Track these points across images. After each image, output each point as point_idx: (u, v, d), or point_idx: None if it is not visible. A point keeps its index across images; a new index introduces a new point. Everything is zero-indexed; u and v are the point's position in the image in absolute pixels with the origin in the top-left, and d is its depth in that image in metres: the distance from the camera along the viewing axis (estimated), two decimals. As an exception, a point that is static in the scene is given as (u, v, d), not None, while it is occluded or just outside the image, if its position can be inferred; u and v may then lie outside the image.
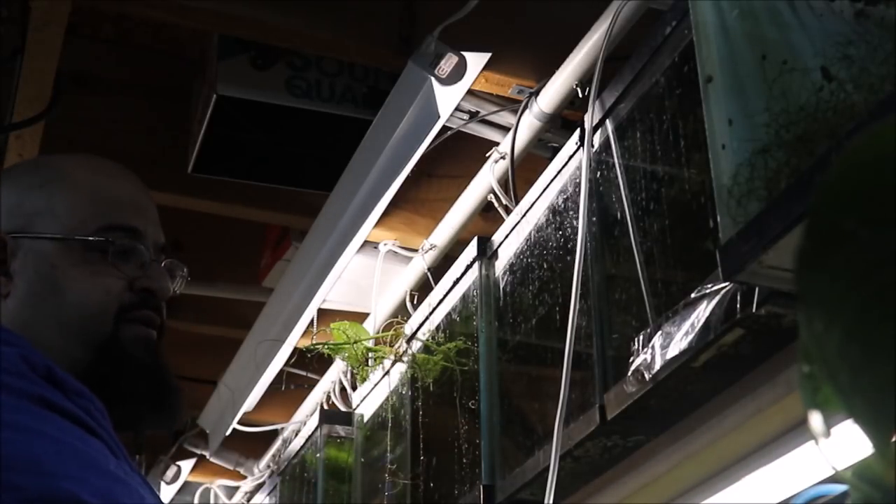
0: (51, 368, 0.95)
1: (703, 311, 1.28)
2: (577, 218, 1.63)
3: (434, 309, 2.22)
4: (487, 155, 2.13)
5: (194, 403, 3.26)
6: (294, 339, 2.61)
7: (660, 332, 1.36)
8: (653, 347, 1.37)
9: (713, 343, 1.27)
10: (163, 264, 1.18)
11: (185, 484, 3.70)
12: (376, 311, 2.61)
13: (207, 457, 3.51)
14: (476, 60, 1.91)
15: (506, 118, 2.13)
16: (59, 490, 0.83)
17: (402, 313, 2.47)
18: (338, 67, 2.36)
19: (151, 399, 1.12)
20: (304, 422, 2.92)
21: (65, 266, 1.12)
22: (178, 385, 1.16)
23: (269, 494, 3.19)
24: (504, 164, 2.09)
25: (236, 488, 3.62)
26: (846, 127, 1.01)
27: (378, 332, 2.44)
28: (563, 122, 2.05)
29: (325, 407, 2.84)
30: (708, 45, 1.22)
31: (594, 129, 1.65)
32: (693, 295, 1.31)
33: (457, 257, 2.14)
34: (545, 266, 1.81)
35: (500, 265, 2.00)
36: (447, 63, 1.90)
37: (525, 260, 1.90)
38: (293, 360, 2.68)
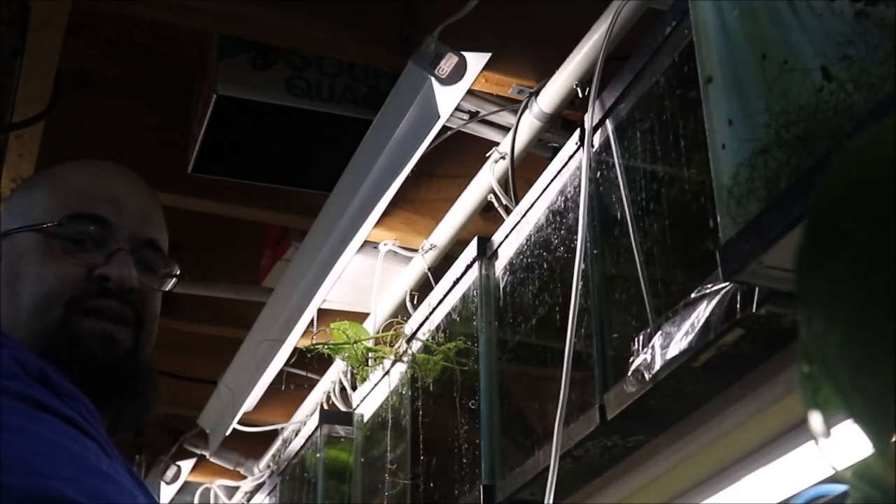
0: (43, 370, 0.95)
1: (703, 311, 1.28)
2: (577, 218, 1.63)
3: (434, 309, 2.22)
4: (487, 155, 2.13)
5: (194, 403, 3.26)
6: (294, 339, 2.61)
7: (660, 332, 1.36)
8: (653, 347, 1.37)
9: (713, 343, 1.27)
10: (142, 259, 1.16)
11: (185, 484, 3.70)
12: (376, 311, 2.61)
13: (207, 457, 3.51)
14: (476, 60, 1.91)
15: (506, 118, 2.13)
16: (50, 490, 0.83)
17: (402, 313, 2.47)
18: (338, 67, 2.35)
19: (112, 393, 1.09)
20: (304, 422, 2.92)
21: (29, 255, 1.12)
22: (152, 379, 1.14)
23: (269, 494, 3.19)
24: (504, 164, 2.09)
25: (236, 488, 3.62)
26: (846, 127, 1.01)
27: (378, 332, 2.44)
28: (563, 122, 2.05)
29: (325, 407, 2.84)
30: (708, 45, 1.22)
31: (594, 129, 1.65)
32: (693, 295, 1.31)
33: (457, 257, 2.14)
34: (545, 266, 1.81)
35: (500, 265, 2.00)
36: (447, 63, 1.90)
37: (525, 260, 1.90)
38: (293, 360, 2.68)
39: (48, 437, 0.88)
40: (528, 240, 1.89)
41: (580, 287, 1.56)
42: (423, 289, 2.42)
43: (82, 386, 1.01)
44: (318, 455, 2.68)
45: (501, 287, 1.99)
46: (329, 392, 2.85)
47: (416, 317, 2.31)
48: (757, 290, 1.18)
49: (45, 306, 1.10)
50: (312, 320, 2.59)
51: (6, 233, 1.15)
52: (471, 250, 2.06)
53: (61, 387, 0.95)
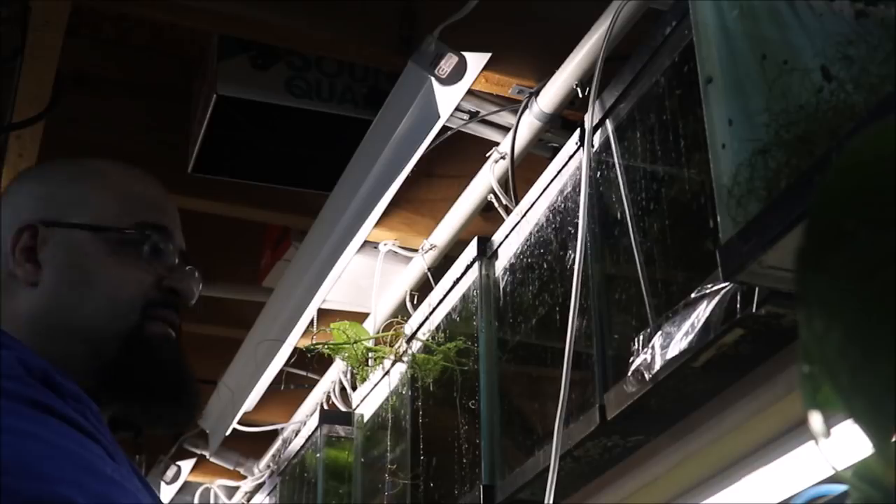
0: (47, 371, 0.95)
1: (703, 311, 1.28)
2: (577, 218, 1.63)
3: (434, 309, 2.22)
4: (487, 155, 2.13)
5: (194, 403, 3.26)
6: (294, 339, 2.61)
7: (660, 332, 1.36)
8: (653, 347, 1.37)
9: (713, 343, 1.27)
10: (186, 269, 1.20)
11: (185, 484, 3.70)
12: (376, 311, 2.61)
13: (207, 457, 3.51)
14: (476, 60, 1.91)
15: (506, 118, 2.13)
16: (55, 494, 0.82)
17: (402, 313, 2.47)
18: (338, 67, 2.35)
19: (172, 396, 1.14)
20: (304, 422, 2.92)
21: (98, 256, 1.12)
22: (198, 387, 1.19)
23: (269, 494, 3.19)
24: (504, 164, 2.09)
25: (236, 488, 3.62)
26: (846, 127, 1.01)
27: (378, 332, 2.44)
28: (563, 122, 2.05)
29: (325, 407, 2.84)
30: (708, 46, 1.22)
31: (594, 129, 1.65)
32: (693, 295, 1.31)
33: (457, 257, 2.14)
34: (545, 266, 1.81)
35: (500, 265, 2.00)
36: (447, 63, 1.90)
37: (525, 260, 1.90)
38: (293, 360, 2.68)
39: (51, 441, 0.88)
40: (528, 240, 1.89)
41: (580, 287, 1.56)
42: (423, 289, 2.42)
43: (154, 387, 1.08)
44: (318, 455, 2.68)
45: (501, 287, 1.99)
46: (329, 392, 2.85)
47: (416, 317, 2.31)
48: (757, 290, 1.18)
49: (125, 310, 1.12)
50: (312, 320, 2.59)
51: (55, 223, 1.13)
52: (471, 250, 2.06)
53: (65, 388, 0.95)
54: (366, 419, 2.59)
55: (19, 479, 0.83)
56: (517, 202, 1.97)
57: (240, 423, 3.10)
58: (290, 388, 2.92)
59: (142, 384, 1.11)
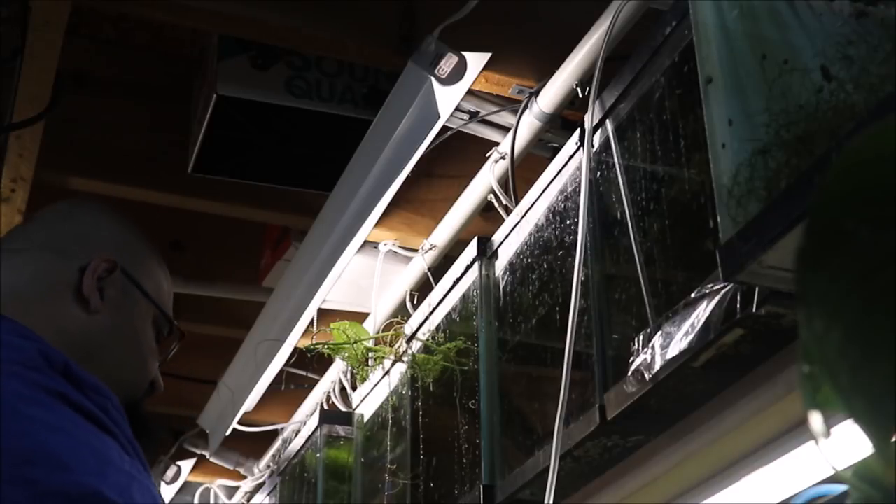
0: (68, 364, 0.98)
1: (703, 311, 1.28)
2: (577, 218, 1.63)
3: (434, 309, 2.22)
4: (487, 155, 2.13)
5: (194, 403, 3.26)
6: (294, 339, 2.61)
7: (660, 332, 1.36)
8: (653, 347, 1.37)
9: (713, 343, 1.27)
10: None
11: (185, 484, 3.70)
12: (376, 311, 2.61)
13: (207, 457, 3.51)
14: (476, 60, 1.91)
15: (506, 118, 2.13)
16: (82, 486, 0.83)
17: (402, 313, 2.47)
18: (338, 67, 2.35)
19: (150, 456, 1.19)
20: (304, 422, 2.92)
21: (145, 325, 1.21)
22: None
23: (269, 494, 3.19)
24: (504, 164, 2.08)
25: (236, 488, 3.62)
26: (846, 127, 1.01)
27: (378, 332, 2.44)
28: (563, 122, 2.04)
29: (325, 407, 2.84)
30: (708, 46, 1.22)
31: (594, 129, 1.65)
32: (693, 295, 1.31)
33: (457, 257, 2.14)
34: (545, 266, 1.81)
35: (500, 265, 2.00)
36: (447, 63, 1.90)
37: (525, 260, 1.90)
38: (293, 360, 2.67)
39: (71, 432, 0.90)
40: (528, 240, 1.89)
41: (580, 287, 1.56)
42: (423, 289, 2.42)
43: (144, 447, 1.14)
44: (318, 455, 2.68)
45: (501, 287, 1.99)
46: (329, 392, 2.85)
47: (416, 317, 2.31)
48: (757, 290, 1.18)
49: (141, 384, 1.20)
50: (312, 320, 2.59)
51: (133, 277, 1.20)
52: (471, 250, 2.06)
53: (85, 381, 0.98)
54: (366, 419, 2.59)
55: (40, 468, 0.84)
56: (517, 202, 1.97)
57: (240, 423, 3.10)
58: (290, 388, 2.92)
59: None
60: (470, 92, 2.02)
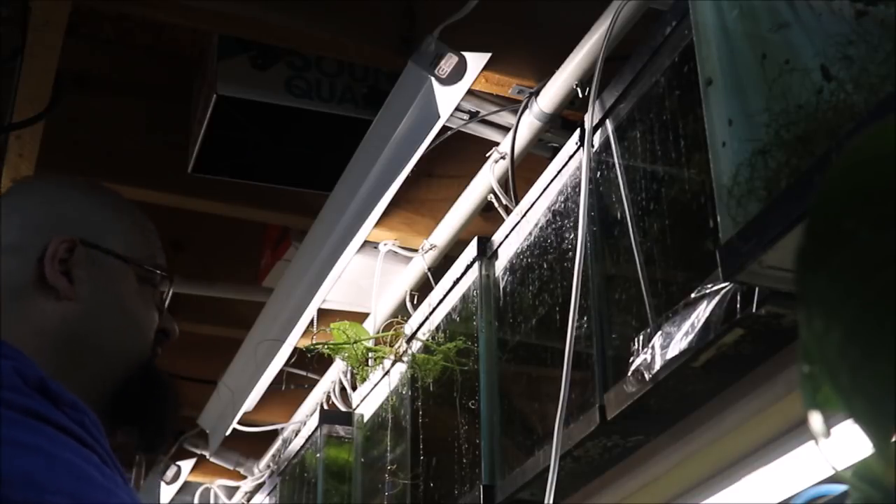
0: (44, 381, 0.95)
1: (703, 311, 1.28)
2: (577, 218, 1.63)
3: (434, 309, 2.22)
4: (487, 155, 2.13)
5: (194, 403, 3.26)
6: (294, 339, 2.61)
7: (660, 332, 1.36)
8: (653, 347, 1.37)
9: (713, 343, 1.27)
10: (167, 312, 1.26)
11: (185, 484, 3.70)
12: (376, 311, 2.61)
13: (207, 457, 3.51)
14: (476, 60, 1.91)
15: (506, 118, 2.13)
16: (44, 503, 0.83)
17: (402, 313, 2.47)
18: (338, 67, 2.35)
19: (166, 425, 1.19)
20: (304, 422, 2.92)
21: (129, 286, 1.16)
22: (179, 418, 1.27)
23: (269, 494, 3.19)
24: (504, 164, 2.08)
25: (236, 488, 3.62)
26: (846, 127, 1.01)
27: (378, 332, 2.44)
28: (563, 122, 2.04)
29: (325, 407, 2.84)
30: (708, 46, 1.22)
31: (594, 129, 1.65)
32: (693, 295, 1.31)
33: (457, 257, 2.14)
34: (545, 266, 1.81)
35: (500, 265, 2.00)
36: (447, 63, 1.90)
37: (525, 260, 1.90)
38: (293, 360, 2.68)
39: (48, 450, 0.88)
40: (527, 240, 1.89)
41: (580, 287, 1.56)
42: (423, 289, 2.42)
43: (152, 415, 1.15)
44: (318, 455, 2.68)
45: (501, 287, 1.99)
46: (329, 392, 2.85)
47: (416, 317, 2.31)
48: (757, 290, 1.18)
49: (145, 343, 1.17)
50: (312, 320, 2.59)
51: (95, 245, 1.14)
52: (471, 250, 2.06)
53: (62, 397, 0.95)
54: (366, 419, 2.59)
55: (15, 489, 0.83)
56: (517, 202, 1.97)
57: (240, 423, 3.10)
58: (290, 388, 2.92)
59: (147, 411, 1.15)
60: (470, 92, 2.02)
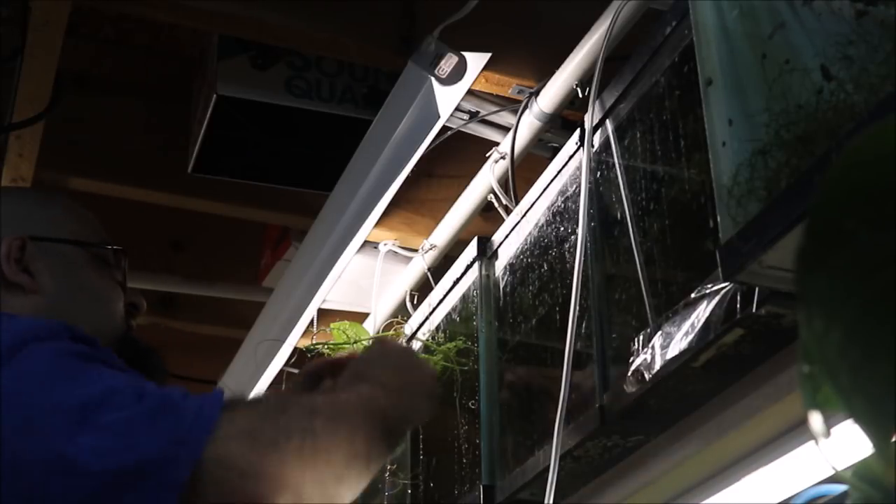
0: (70, 328, 1.04)
1: (703, 311, 1.28)
2: (577, 218, 1.63)
3: (434, 309, 2.22)
4: (487, 155, 2.13)
5: (194, 403, 3.25)
6: (294, 339, 2.61)
7: (660, 332, 1.36)
8: (653, 347, 1.37)
9: (713, 343, 1.27)
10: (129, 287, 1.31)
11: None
12: (376, 311, 2.61)
13: (207, 457, 3.50)
14: (476, 60, 1.91)
15: (506, 118, 2.13)
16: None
17: (402, 313, 2.47)
18: (338, 67, 2.35)
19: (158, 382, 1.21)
20: (304, 422, 2.91)
21: (86, 268, 1.22)
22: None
23: (269, 494, 3.18)
24: (504, 164, 2.08)
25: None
26: (846, 127, 1.01)
27: (378, 332, 2.44)
28: (563, 122, 2.04)
29: (325, 407, 2.83)
30: (708, 46, 1.22)
31: (594, 129, 1.65)
32: (693, 295, 1.30)
33: (457, 257, 2.14)
34: (545, 266, 1.81)
35: (500, 265, 2.00)
36: (447, 63, 1.90)
37: (525, 260, 1.90)
38: (293, 360, 2.67)
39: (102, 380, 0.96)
40: (527, 240, 1.89)
41: (580, 287, 1.56)
42: (423, 289, 2.42)
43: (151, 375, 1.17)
44: (318, 455, 2.67)
45: (501, 287, 1.98)
46: (329, 392, 2.84)
47: (416, 317, 2.31)
48: (757, 290, 1.18)
49: (117, 317, 1.23)
50: (312, 320, 2.59)
51: (43, 238, 1.20)
52: (471, 250, 2.06)
53: (87, 338, 1.03)
54: (366, 419, 2.58)
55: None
56: (517, 202, 1.97)
57: (240, 423, 3.09)
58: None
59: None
60: (470, 92, 2.02)
